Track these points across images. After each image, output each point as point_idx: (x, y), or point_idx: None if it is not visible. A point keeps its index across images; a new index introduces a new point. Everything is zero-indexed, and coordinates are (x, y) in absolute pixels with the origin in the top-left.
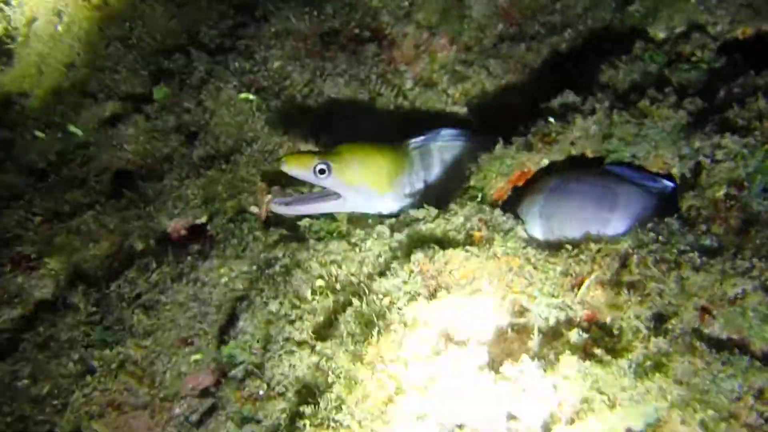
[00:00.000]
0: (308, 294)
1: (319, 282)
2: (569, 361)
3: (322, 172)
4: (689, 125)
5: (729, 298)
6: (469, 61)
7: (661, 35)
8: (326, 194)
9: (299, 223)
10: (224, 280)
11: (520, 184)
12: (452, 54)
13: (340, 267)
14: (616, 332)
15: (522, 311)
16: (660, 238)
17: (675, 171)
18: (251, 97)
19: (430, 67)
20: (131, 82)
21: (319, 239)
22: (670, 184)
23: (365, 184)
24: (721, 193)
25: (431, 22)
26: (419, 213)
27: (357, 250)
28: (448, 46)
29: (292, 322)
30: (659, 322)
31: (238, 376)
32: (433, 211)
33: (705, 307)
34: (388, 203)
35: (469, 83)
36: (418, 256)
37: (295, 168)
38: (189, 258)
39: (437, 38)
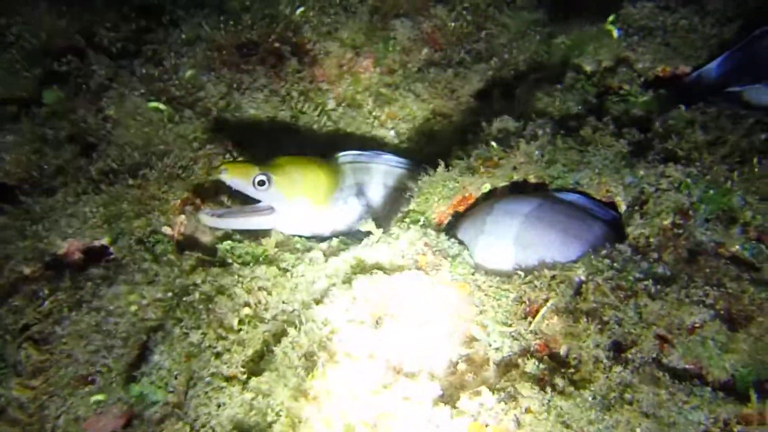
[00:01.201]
0: (235, 323)
1: (246, 310)
2: (530, 393)
3: (261, 183)
4: (630, 154)
5: (687, 326)
6: (395, 84)
7: (588, 68)
8: (259, 208)
9: (218, 246)
10: (133, 308)
11: (461, 209)
12: (376, 76)
13: (269, 294)
14: (573, 362)
15: (472, 340)
16: (615, 264)
17: (618, 199)
18: (162, 106)
19: (354, 88)
20: (10, 84)
21: (244, 264)
22: (615, 213)
23: (303, 198)
24: (668, 222)
25: (355, 41)
26: (361, 235)
27: (288, 275)
28: (371, 68)
29: (218, 355)
30: (618, 351)
31: (155, 418)
32: (375, 235)
33: (663, 336)
34: (323, 221)
35: (396, 106)
36: (361, 282)
37: (235, 177)
38: (89, 284)
39: (361, 59)
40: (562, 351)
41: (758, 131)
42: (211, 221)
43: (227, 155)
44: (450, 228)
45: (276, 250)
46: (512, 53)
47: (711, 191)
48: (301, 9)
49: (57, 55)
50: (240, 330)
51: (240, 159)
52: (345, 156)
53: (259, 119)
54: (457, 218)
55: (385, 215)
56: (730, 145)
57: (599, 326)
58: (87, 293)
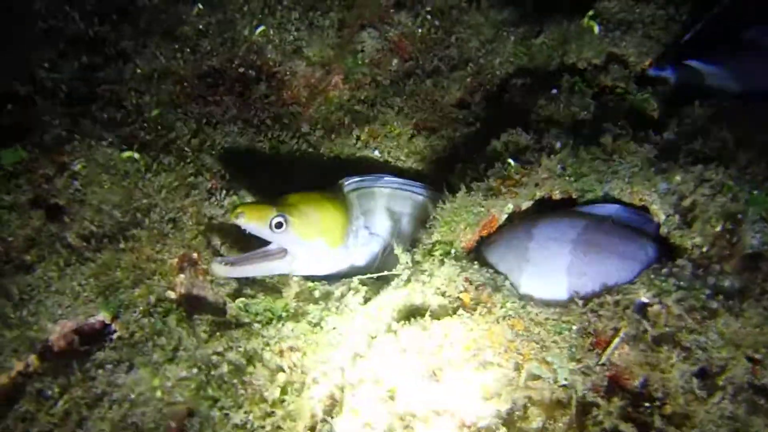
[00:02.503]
0: (277, 394)
1: (281, 377)
2: None
3: (279, 225)
4: (656, 159)
5: None
6: (369, 100)
7: (579, 67)
8: (272, 251)
9: (230, 304)
10: (159, 393)
11: (485, 234)
12: (347, 92)
13: (304, 354)
14: (656, 395)
15: (536, 380)
16: (681, 283)
17: (654, 207)
18: (136, 155)
19: (326, 108)
20: None
21: (265, 323)
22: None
23: (320, 240)
24: (718, 229)
25: (323, 58)
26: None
27: (319, 330)
28: (341, 85)
29: None
30: (703, 379)
31: None
32: (404, 274)
33: (751, 358)
34: (338, 259)
35: (376, 124)
36: (411, 330)
37: (253, 221)
38: (101, 371)
39: (331, 76)
40: (638, 383)
41: None
42: (226, 271)
43: (227, 197)
44: (476, 256)
45: (296, 302)
46: (487, 57)
47: (756, 192)
48: (261, 28)
49: None
50: (283, 401)
51: (252, 201)
52: (350, 184)
53: (238, 152)
54: (480, 244)
55: (396, 242)
56: (762, 142)
57: (683, 354)
58: (102, 384)
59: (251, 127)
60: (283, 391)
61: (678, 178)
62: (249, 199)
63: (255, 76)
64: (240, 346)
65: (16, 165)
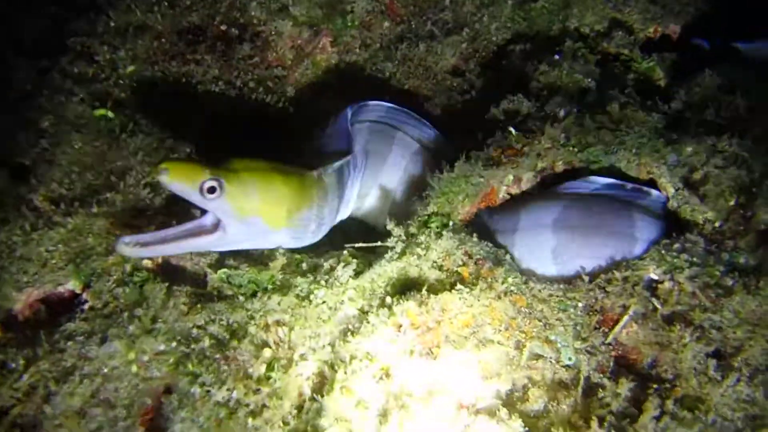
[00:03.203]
0: (263, 370)
1: (267, 352)
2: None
3: (211, 190)
4: (665, 129)
5: None
6: (359, 65)
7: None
8: (197, 227)
9: (211, 275)
10: (134, 368)
11: (482, 206)
12: (335, 56)
13: (291, 329)
14: (666, 376)
15: (539, 359)
16: (694, 259)
17: (663, 180)
18: (110, 114)
19: (313, 72)
20: None
21: (249, 295)
22: (659, 193)
23: (258, 218)
24: (731, 203)
25: (311, 18)
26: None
27: (308, 303)
28: (330, 48)
29: (254, 414)
30: (719, 359)
31: None
32: (398, 246)
33: None
34: (281, 240)
35: (366, 87)
36: (407, 305)
37: (178, 180)
38: (71, 343)
39: (318, 38)
40: (646, 363)
41: None
42: (135, 251)
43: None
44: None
45: (282, 274)
46: (483, 22)
47: None
48: None
49: None
50: (269, 378)
51: (185, 158)
52: (333, 167)
53: (220, 116)
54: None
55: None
56: None
57: (696, 334)
58: (72, 357)
59: (233, 89)
60: (269, 368)
61: (689, 149)
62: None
63: (238, 35)
64: (222, 320)
65: None
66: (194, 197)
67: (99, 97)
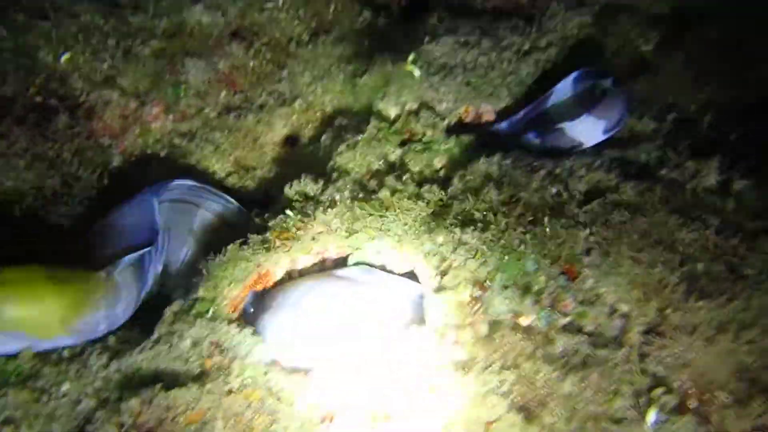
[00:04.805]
0: None
1: None
2: None
3: None
4: (431, 216)
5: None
6: (191, 133)
7: (392, 113)
8: None
9: None
10: None
11: (259, 288)
12: (169, 124)
13: (17, 429)
14: None
15: None
16: None
17: (419, 267)
18: None
19: (143, 140)
20: None
21: None
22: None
23: (21, 332)
24: (466, 295)
25: (139, 88)
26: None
27: (46, 399)
28: (163, 116)
29: None
30: None
31: None
32: (153, 337)
33: None
34: (63, 344)
35: (192, 159)
36: (130, 404)
37: None
38: None
39: (149, 107)
40: None
41: (548, 185)
42: None
43: None
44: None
45: (35, 362)
46: (317, 94)
47: (506, 257)
48: (66, 56)
49: None
50: None
51: None
52: (128, 260)
53: (21, 192)
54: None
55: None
56: (523, 204)
57: None
58: None
59: (42, 162)
60: None
61: (440, 239)
62: None
63: (56, 106)
64: None
65: None
66: None
67: None
